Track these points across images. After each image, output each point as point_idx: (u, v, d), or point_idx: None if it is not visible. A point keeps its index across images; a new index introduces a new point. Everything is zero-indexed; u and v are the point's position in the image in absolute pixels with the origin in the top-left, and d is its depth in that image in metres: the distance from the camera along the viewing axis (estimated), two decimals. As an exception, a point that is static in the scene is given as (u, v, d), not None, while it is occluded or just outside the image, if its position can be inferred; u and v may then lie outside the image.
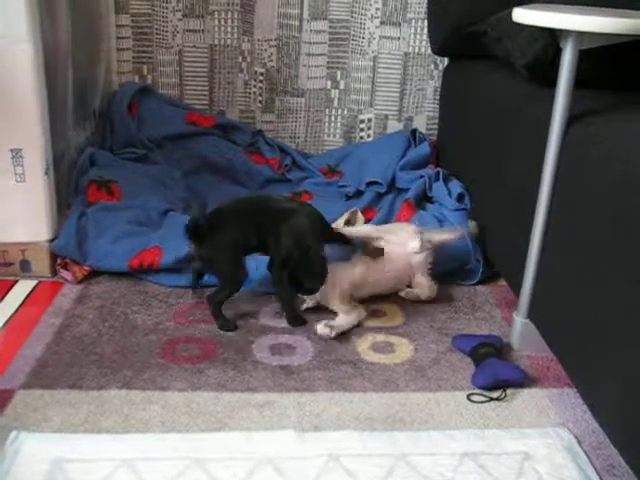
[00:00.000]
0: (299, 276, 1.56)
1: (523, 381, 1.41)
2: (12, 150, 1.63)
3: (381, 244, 1.70)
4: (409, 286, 1.72)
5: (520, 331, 1.52)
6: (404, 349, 1.53)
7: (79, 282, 1.72)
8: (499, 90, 1.77)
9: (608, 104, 1.36)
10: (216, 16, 2.41)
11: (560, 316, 1.35)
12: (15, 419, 1.24)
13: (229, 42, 2.44)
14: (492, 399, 1.36)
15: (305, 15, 2.42)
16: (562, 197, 1.34)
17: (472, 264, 1.80)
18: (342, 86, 2.52)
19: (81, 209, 1.84)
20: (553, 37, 1.34)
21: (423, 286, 1.70)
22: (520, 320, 1.51)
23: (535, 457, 1.21)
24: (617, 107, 1.35)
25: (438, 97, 2.47)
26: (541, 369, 1.47)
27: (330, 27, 2.44)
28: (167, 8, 2.39)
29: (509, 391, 1.38)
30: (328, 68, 2.49)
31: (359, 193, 2.20)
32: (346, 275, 1.64)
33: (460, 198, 2.00)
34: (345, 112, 2.55)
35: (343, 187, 2.25)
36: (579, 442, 1.26)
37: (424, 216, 1.98)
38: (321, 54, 2.47)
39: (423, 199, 2.09)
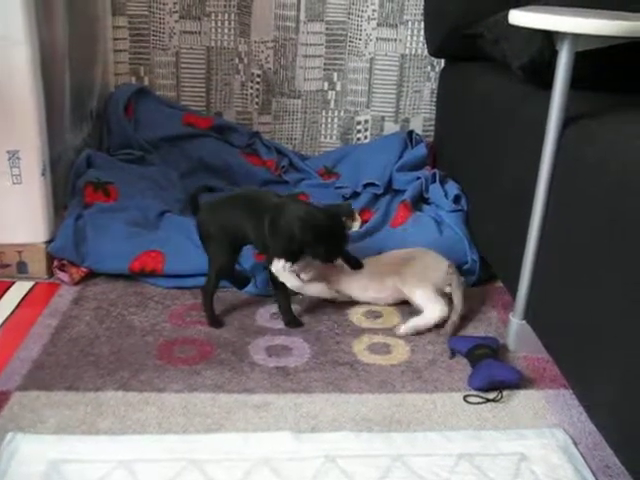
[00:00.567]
0: (316, 246, 1.54)
1: (519, 382, 1.41)
2: (9, 152, 1.63)
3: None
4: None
5: (516, 332, 1.52)
6: (400, 350, 1.53)
7: (76, 283, 1.72)
8: (495, 92, 1.78)
9: (604, 106, 1.36)
10: (213, 18, 2.41)
11: (556, 317, 1.35)
12: (11, 420, 1.24)
13: (226, 44, 2.45)
14: (488, 400, 1.36)
15: (302, 17, 2.43)
16: (558, 198, 1.35)
17: (469, 264, 1.81)
18: (339, 87, 2.52)
19: (78, 211, 1.84)
20: (549, 39, 1.35)
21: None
22: (516, 321, 1.51)
23: (531, 458, 1.21)
24: (613, 108, 1.35)
25: (435, 99, 2.48)
26: (537, 370, 1.47)
27: (327, 29, 2.45)
28: (164, 10, 2.39)
29: (505, 392, 1.38)
30: (325, 70, 2.50)
31: (356, 194, 2.20)
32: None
33: (456, 199, 2.01)
34: (342, 113, 2.55)
35: (340, 188, 2.25)
36: (575, 443, 1.26)
37: (421, 217, 1.98)
38: (318, 56, 2.48)
39: (420, 200, 2.09)
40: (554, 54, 1.32)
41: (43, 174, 1.68)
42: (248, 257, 1.76)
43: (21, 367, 1.39)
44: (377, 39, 2.47)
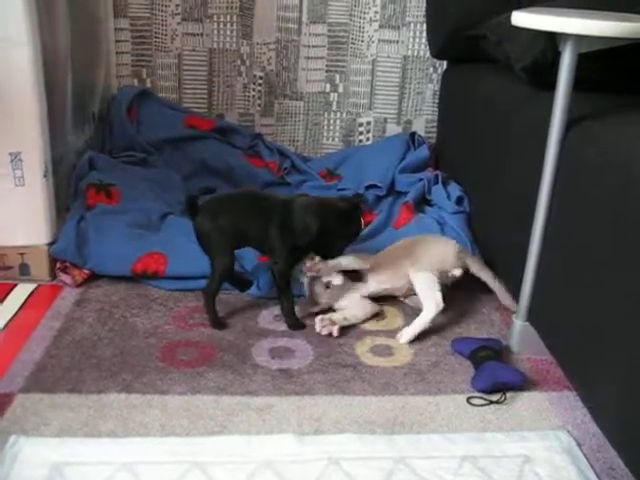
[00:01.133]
0: (329, 240, 1.58)
1: (523, 384, 1.41)
2: (11, 153, 1.63)
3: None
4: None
5: (519, 334, 1.52)
6: (404, 352, 1.53)
7: (78, 285, 1.72)
8: (498, 93, 1.77)
9: (607, 107, 1.36)
10: (215, 20, 2.41)
11: (559, 319, 1.35)
12: (14, 423, 1.24)
13: (228, 46, 2.45)
14: (492, 402, 1.36)
15: (304, 19, 2.43)
16: (561, 200, 1.34)
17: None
18: (341, 89, 2.52)
19: (80, 212, 1.84)
20: (552, 40, 1.34)
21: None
22: (519, 323, 1.51)
23: (535, 460, 1.21)
24: (616, 110, 1.35)
25: (437, 100, 2.47)
26: (541, 372, 1.47)
27: (329, 30, 2.45)
28: (166, 12, 2.39)
29: (509, 394, 1.38)
30: (327, 71, 2.50)
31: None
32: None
33: (459, 201, 2.01)
34: (344, 115, 2.55)
35: (342, 190, 2.24)
36: (579, 445, 1.26)
37: (423, 219, 1.98)
38: (320, 57, 2.48)
39: (422, 202, 2.09)
40: (557, 55, 1.32)
41: (45, 176, 1.68)
42: (250, 259, 1.76)
43: (24, 369, 1.39)
44: (379, 41, 2.47)
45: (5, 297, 1.67)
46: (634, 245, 1.06)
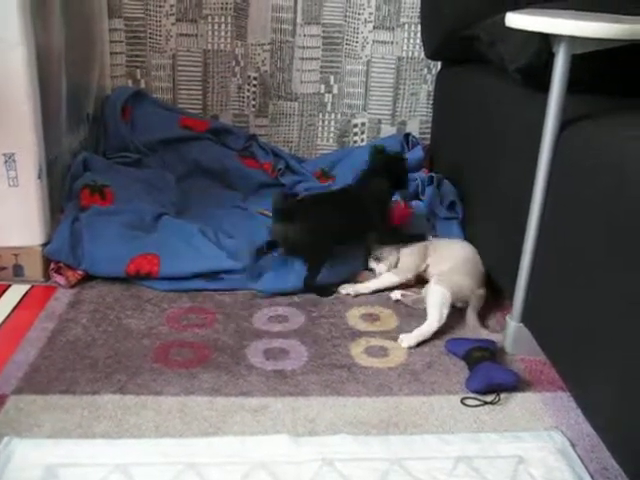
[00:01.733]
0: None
1: (517, 385, 1.41)
2: (5, 154, 1.63)
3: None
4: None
5: (513, 335, 1.52)
6: (398, 353, 1.53)
7: (72, 286, 1.71)
8: (492, 94, 1.78)
9: (601, 108, 1.37)
10: (210, 20, 2.41)
11: (553, 320, 1.35)
12: (7, 424, 1.23)
13: (223, 46, 2.44)
14: (486, 403, 1.36)
15: (299, 19, 2.43)
16: (555, 201, 1.35)
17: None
18: (335, 90, 2.52)
19: (74, 213, 1.84)
20: (546, 42, 1.35)
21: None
22: (514, 324, 1.51)
23: (529, 460, 1.21)
24: (610, 111, 1.35)
25: (431, 101, 2.48)
26: (535, 373, 1.47)
27: (323, 31, 2.45)
28: (161, 12, 2.39)
29: (503, 395, 1.38)
30: (321, 72, 2.50)
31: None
32: None
33: (451, 206, 2.01)
34: (338, 116, 2.55)
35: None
36: (573, 445, 1.26)
37: (419, 206, 2.04)
38: (314, 58, 2.48)
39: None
40: (551, 57, 1.32)
41: (39, 177, 1.68)
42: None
43: (17, 370, 1.39)
44: (374, 42, 2.47)
45: (-1, 298, 1.67)
46: (628, 246, 1.06)
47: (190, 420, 1.27)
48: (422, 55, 2.39)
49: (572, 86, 1.31)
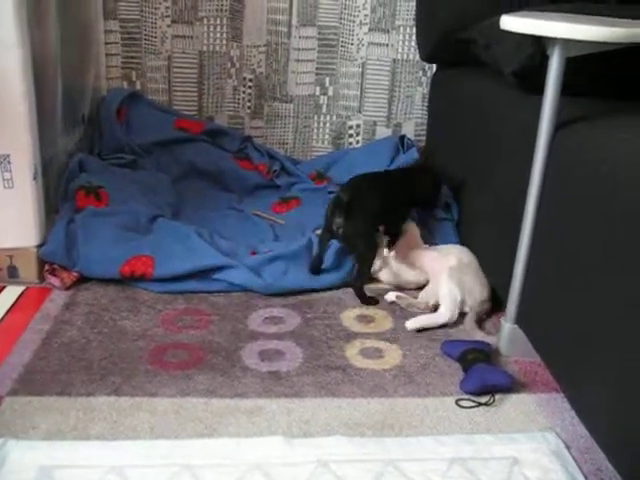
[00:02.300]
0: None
1: (511, 386, 1.41)
2: (0, 156, 1.63)
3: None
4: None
5: (508, 336, 1.53)
6: (393, 355, 1.53)
7: (67, 288, 1.71)
8: (487, 97, 1.78)
9: (596, 111, 1.37)
10: (205, 22, 2.41)
11: (548, 321, 1.35)
12: (2, 426, 1.23)
13: (218, 48, 2.45)
14: (481, 404, 1.37)
15: (294, 21, 2.43)
16: (550, 203, 1.35)
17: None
18: (331, 92, 2.52)
19: (69, 215, 1.84)
20: (540, 44, 1.35)
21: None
22: (508, 325, 1.52)
23: (523, 462, 1.22)
24: (604, 114, 1.36)
25: (426, 103, 2.48)
26: (529, 374, 1.48)
27: (319, 33, 2.45)
28: (156, 14, 2.39)
29: (497, 396, 1.39)
30: (317, 74, 2.50)
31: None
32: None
33: (447, 208, 2.02)
34: (334, 118, 2.55)
35: (332, 193, 2.25)
36: (567, 446, 1.26)
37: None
38: (310, 60, 2.48)
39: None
40: (545, 59, 1.32)
41: (34, 178, 1.68)
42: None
43: (12, 372, 1.38)
44: (369, 44, 2.47)
45: (-7, 300, 1.66)
46: (623, 248, 1.07)
47: (185, 422, 1.28)
48: (417, 57, 2.40)
49: (566, 89, 1.31)
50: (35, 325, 1.56)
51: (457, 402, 1.37)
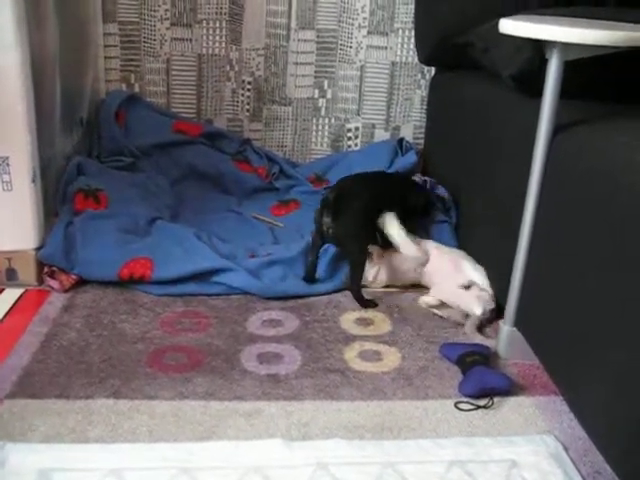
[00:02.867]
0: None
1: (510, 389, 1.41)
2: (-1, 158, 1.63)
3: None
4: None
5: (507, 339, 1.53)
6: (392, 357, 1.53)
7: (66, 291, 1.71)
8: (486, 100, 1.79)
9: (594, 114, 1.37)
10: (204, 25, 2.41)
11: (546, 324, 1.35)
12: (1, 429, 1.23)
13: (217, 51, 2.45)
14: (479, 407, 1.37)
15: (293, 24, 2.43)
16: (548, 206, 1.35)
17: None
18: (329, 95, 2.52)
19: (68, 217, 1.84)
20: (539, 48, 1.36)
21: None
22: (507, 328, 1.52)
23: (522, 464, 1.22)
24: (604, 117, 1.36)
25: (425, 106, 2.49)
26: (528, 377, 1.48)
27: (318, 36, 2.45)
28: (155, 17, 2.39)
29: (496, 399, 1.39)
30: (315, 77, 2.50)
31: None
32: None
33: (445, 211, 2.02)
34: (332, 121, 2.55)
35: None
36: (566, 449, 1.26)
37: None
38: (309, 63, 2.48)
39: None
40: (544, 63, 1.33)
41: (33, 180, 1.68)
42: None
43: (11, 375, 1.38)
44: (368, 47, 2.48)
45: (-8, 302, 1.66)
46: (621, 251, 1.07)
47: (184, 424, 1.27)
48: (416, 60, 2.40)
49: (566, 92, 1.31)
50: (34, 328, 1.56)
51: (456, 405, 1.37)
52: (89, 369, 1.42)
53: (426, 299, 1.65)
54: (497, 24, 1.35)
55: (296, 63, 2.47)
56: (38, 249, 1.73)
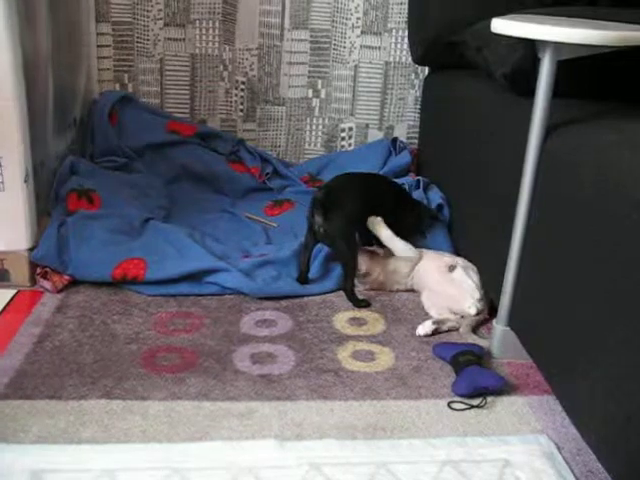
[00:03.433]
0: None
1: (503, 388, 1.41)
2: (-9, 158, 1.62)
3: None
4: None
5: (500, 339, 1.53)
6: (385, 357, 1.53)
7: (59, 291, 1.71)
8: (479, 99, 1.79)
9: (587, 113, 1.38)
10: (197, 25, 2.41)
11: (539, 323, 1.36)
12: (-7, 430, 1.23)
13: (210, 51, 2.45)
14: (472, 407, 1.37)
15: (286, 24, 2.43)
16: (541, 205, 1.36)
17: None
18: (323, 95, 2.52)
19: (61, 218, 1.83)
20: (532, 47, 1.36)
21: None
22: (500, 328, 1.52)
23: (515, 464, 1.22)
24: (596, 116, 1.36)
25: (419, 106, 2.49)
26: (521, 376, 1.48)
27: (311, 36, 2.46)
28: (148, 17, 2.39)
29: (489, 398, 1.39)
30: (309, 77, 2.50)
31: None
32: None
33: (439, 209, 2.02)
34: (326, 121, 2.55)
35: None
36: (559, 448, 1.27)
37: None
38: (302, 63, 2.48)
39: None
40: (537, 62, 1.33)
41: (26, 181, 1.67)
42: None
43: (3, 376, 1.38)
44: (361, 47, 2.48)
45: (-16, 303, 1.66)
46: (613, 250, 1.07)
47: (177, 425, 1.27)
48: (409, 60, 2.40)
49: (558, 91, 1.32)
50: (26, 328, 1.55)
51: (449, 404, 1.37)
52: (82, 370, 1.42)
53: (422, 331, 1.62)
54: (490, 23, 1.35)
55: (290, 63, 2.47)
56: (31, 250, 1.72)
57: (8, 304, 1.66)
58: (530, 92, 1.35)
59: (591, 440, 1.17)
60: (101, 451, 1.19)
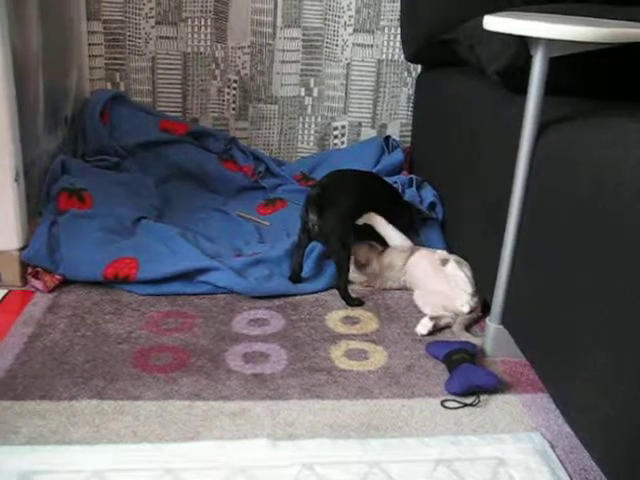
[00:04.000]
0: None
1: (497, 387, 1.41)
2: (-19, 158, 1.61)
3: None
4: None
5: (493, 337, 1.53)
6: (378, 356, 1.53)
7: (50, 291, 1.70)
8: (472, 97, 1.78)
9: (580, 111, 1.37)
10: (189, 23, 2.40)
11: (533, 321, 1.35)
12: (-17, 431, 1.22)
13: (202, 49, 2.44)
14: (466, 405, 1.36)
15: (278, 22, 2.43)
16: (533, 204, 1.35)
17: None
18: (316, 93, 2.52)
19: (52, 217, 1.82)
20: (524, 44, 1.35)
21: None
22: (493, 326, 1.52)
23: (509, 462, 1.22)
24: (589, 114, 1.36)
25: (411, 104, 2.49)
26: (514, 374, 1.48)
27: (304, 34, 2.45)
28: (140, 15, 2.38)
29: (483, 397, 1.39)
30: (302, 75, 2.50)
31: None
32: None
33: (431, 207, 2.02)
34: (319, 119, 2.55)
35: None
36: (552, 446, 1.26)
37: None
38: (294, 61, 2.48)
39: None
40: (529, 59, 1.33)
41: (16, 180, 1.66)
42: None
43: (-7, 376, 1.37)
44: (354, 45, 2.47)
45: (-25, 303, 1.65)
46: (606, 247, 1.07)
47: (169, 425, 1.26)
48: (402, 58, 2.40)
49: (551, 89, 1.31)
50: (17, 328, 1.54)
51: (442, 403, 1.37)
52: (73, 370, 1.41)
53: (423, 330, 1.62)
54: (482, 21, 1.35)
55: (282, 61, 2.47)
56: (22, 249, 1.71)
57: (-1, 304, 1.65)
58: (523, 89, 1.35)
59: (584, 438, 1.16)
60: (92, 452, 1.18)
